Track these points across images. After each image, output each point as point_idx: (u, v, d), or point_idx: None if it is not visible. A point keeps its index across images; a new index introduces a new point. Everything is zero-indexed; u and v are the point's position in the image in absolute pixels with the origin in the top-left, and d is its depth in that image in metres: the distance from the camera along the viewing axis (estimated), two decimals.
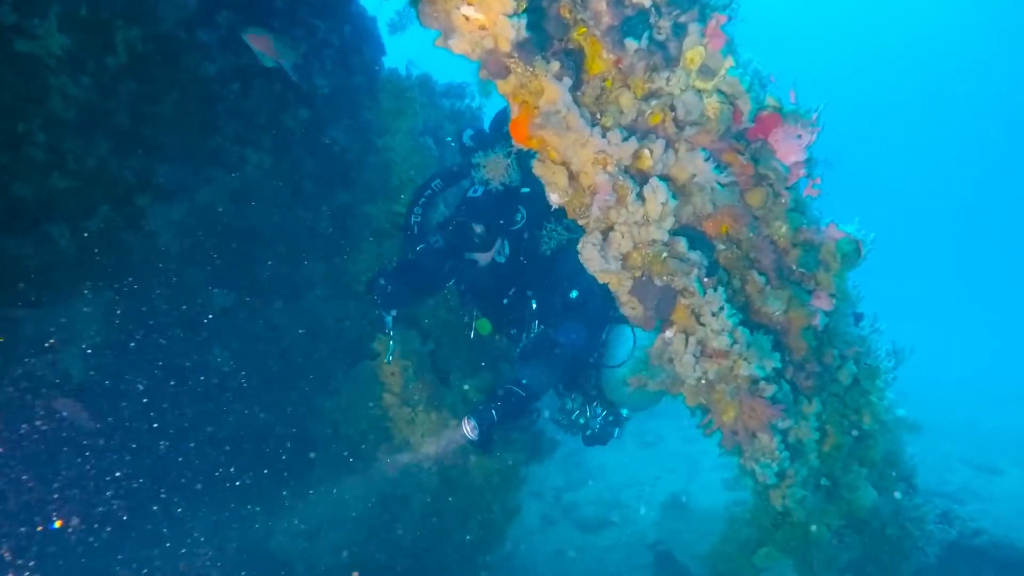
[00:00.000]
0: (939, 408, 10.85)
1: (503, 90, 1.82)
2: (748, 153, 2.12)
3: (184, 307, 4.08)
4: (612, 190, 1.86)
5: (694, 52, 1.95)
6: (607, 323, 3.06)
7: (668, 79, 1.94)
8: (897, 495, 3.24)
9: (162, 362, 3.89)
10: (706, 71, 1.96)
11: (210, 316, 4.22)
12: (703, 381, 2.23)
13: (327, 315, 4.88)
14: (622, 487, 8.35)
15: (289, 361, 4.67)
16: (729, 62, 1.95)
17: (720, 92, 1.97)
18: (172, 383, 3.89)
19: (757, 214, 2.21)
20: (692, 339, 2.13)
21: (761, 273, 2.30)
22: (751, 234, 2.20)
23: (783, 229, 2.23)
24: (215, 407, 4.18)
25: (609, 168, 1.84)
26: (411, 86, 4.72)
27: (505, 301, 3.44)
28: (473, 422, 3.04)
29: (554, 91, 1.74)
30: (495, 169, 1.94)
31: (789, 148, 2.13)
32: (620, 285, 2.07)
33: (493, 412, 3.06)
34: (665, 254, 1.97)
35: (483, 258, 3.35)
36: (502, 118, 3.46)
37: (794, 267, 2.34)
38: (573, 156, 1.83)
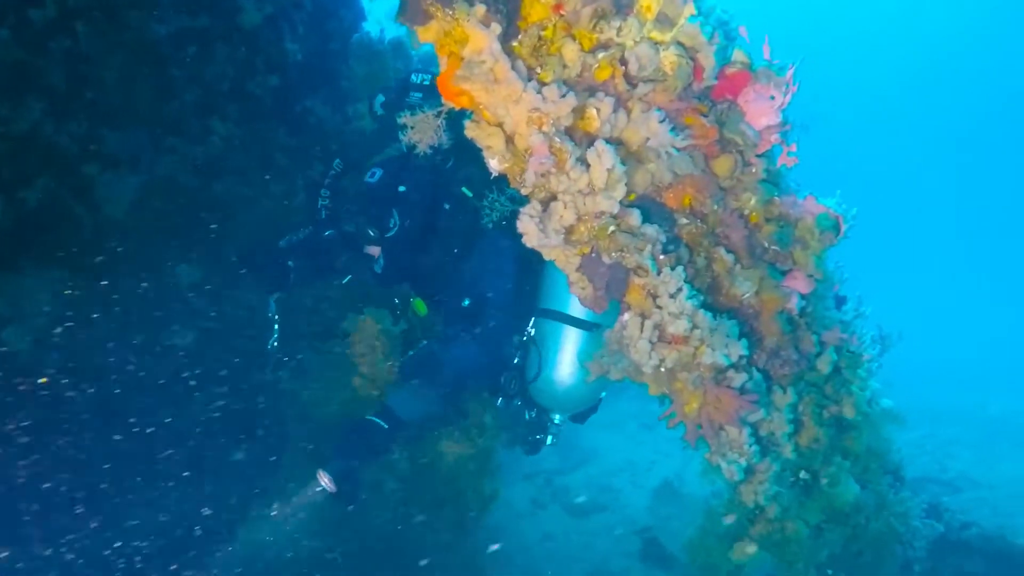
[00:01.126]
0: (944, 392, 10.61)
1: (424, 38, 1.60)
2: (713, 115, 1.89)
3: (144, 284, 3.92)
4: (549, 153, 1.64)
5: None
6: (509, 332, 2.81)
7: (619, 28, 1.70)
8: (881, 489, 3.06)
9: (119, 342, 3.75)
10: (664, 20, 1.73)
11: (173, 294, 4.06)
12: (662, 369, 2.03)
13: (303, 294, 4.71)
14: (616, 471, 8.22)
15: (261, 343, 4.51)
16: (689, 9, 1.71)
17: (679, 44, 1.74)
18: (129, 365, 3.75)
19: (724, 184, 1.99)
20: (648, 323, 1.93)
21: (729, 251, 2.08)
22: (716, 207, 1.98)
23: (752, 201, 2.00)
24: (178, 391, 4.04)
25: (545, 128, 1.62)
26: (383, 51, 4.48)
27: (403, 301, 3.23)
28: (328, 475, 2.72)
29: (479, 38, 1.52)
30: (424, 130, 1.72)
31: (760, 110, 1.90)
32: (567, 262, 1.87)
33: (349, 459, 2.76)
34: (613, 228, 1.76)
35: (375, 252, 3.12)
36: (406, 81, 3.20)
37: (767, 244, 2.12)
38: (504, 114, 1.62)
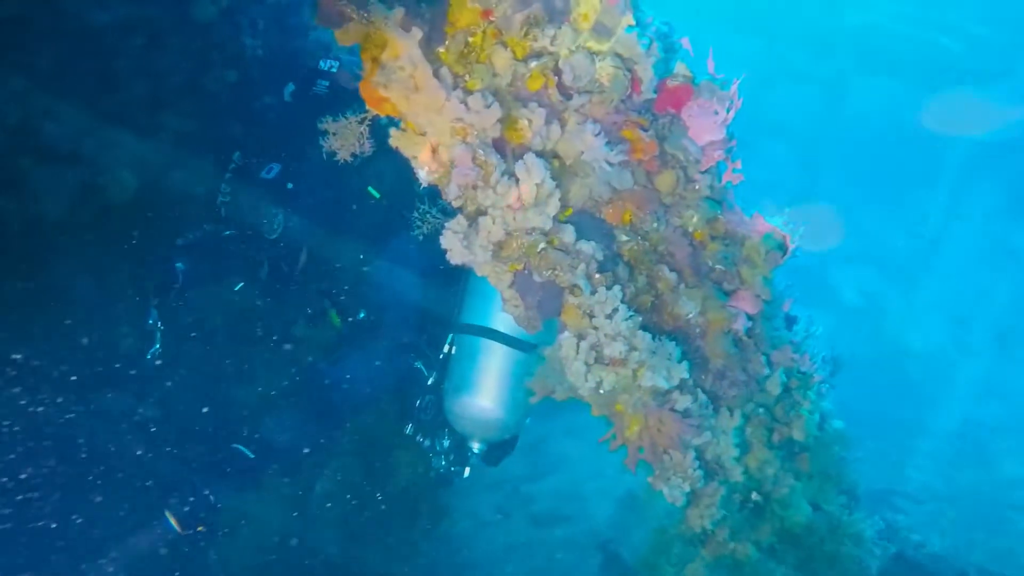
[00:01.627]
0: (912, 404, 10.71)
1: (344, 41, 1.50)
2: (654, 129, 1.81)
3: (85, 285, 3.75)
4: (474, 165, 1.55)
5: (588, 5, 1.63)
6: (415, 350, 2.60)
7: (553, 37, 1.62)
8: (835, 510, 3.02)
9: (57, 345, 3.57)
10: (602, 30, 1.65)
11: (118, 297, 3.90)
12: (600, 391, 1.95)
13: (258, 297, 4.56)
14: (584, 479, 8.14)
15: (213, 348, 4.34)
16: (628, 19, 1.63)
17: (616, 55, 1.66)
18: (66, 368, 3.58)
19: (666, 201, 1.91)
20: (584, 344, 1.85)
21: (673, 269, 2.01)
22: (656, 223, 1.90)
23: (695, 219, 1.93)
24: (122, 395, 3.88)
25: (469, 139, 1.53)
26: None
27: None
28: (174, 514, 2.47)
29: (397, 44, 1.43)
30: (346, 137, 1.62)
31: (703, 126, 1.83)
32: (498, 278, 1.78)
33: (204, 494, 2.52)
34: (543, 245, 1.67)
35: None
36: (315, 68, 3.02)
37: (712, 263, 2.05)
38: (427, 124, 1.52)
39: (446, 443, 2.68)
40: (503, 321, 2.25)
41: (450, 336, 2.52)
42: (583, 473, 8.31)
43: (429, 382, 2.63)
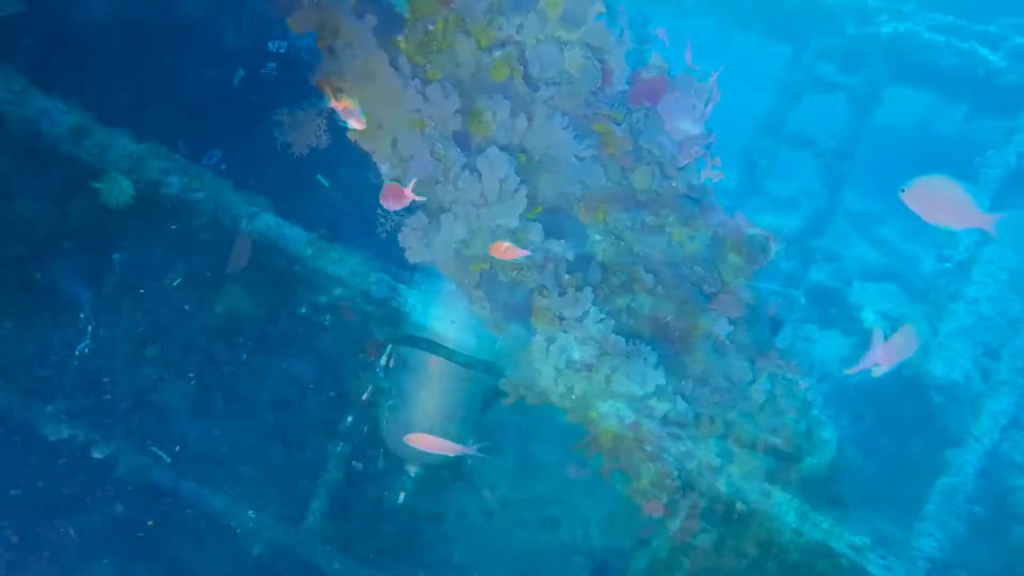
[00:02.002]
0: (944, 437, 10.46)
1: (296, 29, 1.44)
2: (627, 123, 1.74)
3: (65, 284, 3.69)
4: (431, 159, 1.47)
5: None
6: (361, 361, 2.41)
7: (520, 25, 1.54)
8: (824, 522, 2.92)
9: (34, 346, 3.50)
10: (571, 17, 1.58)
11: (101, 295, 3.83)
12: (572, 396, 1.87)
13: (245, 303, 4.49)
14: (575, 484, 8.05)
15: (201, 355, 4.26)
16: (598, 6, 1.56)
17: (585, 45, 1.59)
18: (44, 372, 3.50)
19: (642, 198, 1.83)
20: (553, 347, 1.77)
21: (649, 271, 1.93)
22: (631, 222, 1.83)
23: (671, 217, 1.85)
24: (105, 401, 3.80)
25: (427, 131, 1.45)
26: None
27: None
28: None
29: (350, 31, 1.35)
30: (302, 130, 1.54)
31: (680, 120, 1.75)
32: (463, 278, 1.70)
33: (109, 507, 2.40)
34: (506, 245, 1.59)
35: None
36: (264, 51, 2.93)
37: (691, 265, 1.96)
38: (383, 115, 1.45)
39: (380, 464, 2.47)
40: (448, 334, 2.00)
41: (389, 347, 2.26)
42: (573, 478, 8.22)
43: (364, 397, 2.37)
